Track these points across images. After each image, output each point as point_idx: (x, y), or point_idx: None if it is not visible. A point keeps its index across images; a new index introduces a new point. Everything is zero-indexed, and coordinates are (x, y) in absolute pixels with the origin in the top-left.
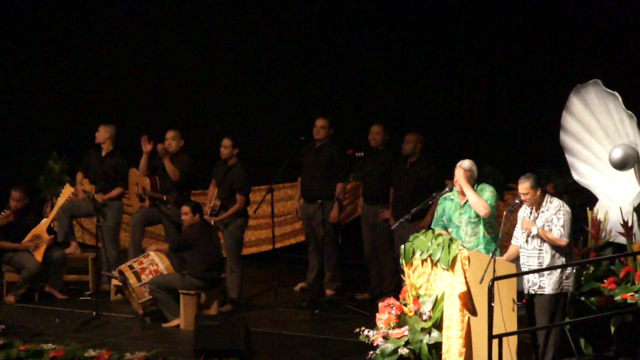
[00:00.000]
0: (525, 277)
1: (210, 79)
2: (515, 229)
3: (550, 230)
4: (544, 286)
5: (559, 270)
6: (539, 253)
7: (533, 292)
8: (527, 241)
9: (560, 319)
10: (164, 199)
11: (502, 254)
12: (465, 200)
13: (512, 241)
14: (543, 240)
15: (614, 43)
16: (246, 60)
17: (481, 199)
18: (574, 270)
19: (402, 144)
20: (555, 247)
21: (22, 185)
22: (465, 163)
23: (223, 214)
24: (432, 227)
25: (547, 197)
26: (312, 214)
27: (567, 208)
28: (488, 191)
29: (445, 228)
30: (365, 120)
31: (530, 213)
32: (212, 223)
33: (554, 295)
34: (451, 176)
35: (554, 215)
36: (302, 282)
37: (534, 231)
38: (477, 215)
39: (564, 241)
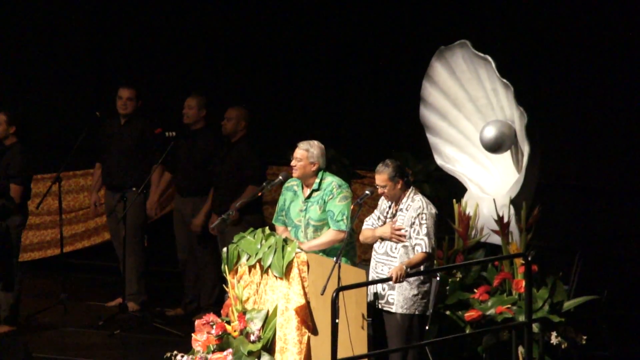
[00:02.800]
0: (371, 287)
1: None
2: (375, 211)
3: (409, 236)
4: (392, 302)
5: (411, 287)
6: (390, 261)
7: (381, 308)
8: (380, 242)
9: (417, 341)
10: None
11: (353, 260)
12: (308, 195)
13: (365, 224)
14: (397, 242)
15: None
16: (30, 10)
17: (329, 236)
18: (434, 286)
19: (222, 121)
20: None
21: None
22: (304, 143)
23: None
24: (273, 222)
25: (410, 192)
26: (112, 208)
27: (431, 210)
28: (338, 197)
29: (286, 225)
30: (179, 92)
31: (390, 207)
32: None
33: (406, 315)
34: (283, 162)
35: (416, 218)
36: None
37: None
38: (321, 218)
39: (424, 255)
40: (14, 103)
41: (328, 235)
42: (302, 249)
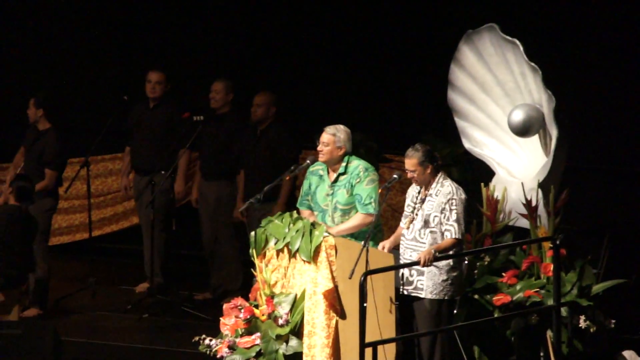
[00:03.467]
0: (400, 273)
1: (5, 28)
2: (406, 206)
3: (440, 222)
4: (421, 287)
5: (440, 272)
6: (419, 247)
7: (409, 295)
8: (408, 227)
9: (445, 326)
10: None
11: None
12: (334, 179)
13: (401, 221)
14: (426, 228)
15: None
16: (51, 1)
17: (357, 220)
18: (463, 271)
19: (251, 107)
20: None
21: None
22: (331, 127)
23: None
24: (297, 206)
25: (440, 177)
26: (141, 191)
27: (461, 195)
28: (366, 180)
29: (312, 209)
30: (207, 77)
31: (419, 193)
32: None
33: (435, 300)
34: (311, 146)
35: (446, 204)
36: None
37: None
38: (349, 201)
39: (454, 241)
40: (44, 87)
41: (356, 219)
42: (330, 234)
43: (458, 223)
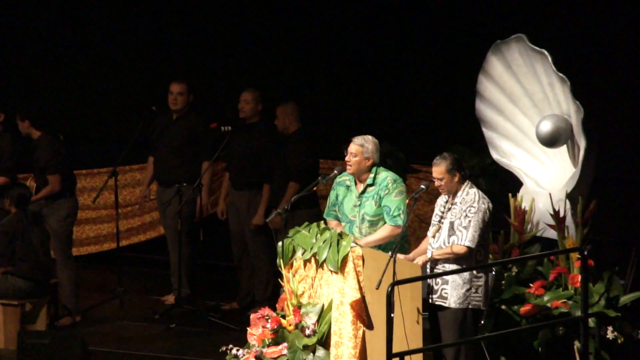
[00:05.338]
0: (427, 282)
1: (35, 37)
2: (434, 215)
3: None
4: (446, 296)
5: (463, 281)
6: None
7: (434, 303)
8: (434, 235)
9: (471, 336)
10: None
11: (408, 254)
12: (362, 190)
13: (429, 231)
14: (451, 236)
15: None
16: (83, 9)
17: (386, 232)
18: (489, 281)
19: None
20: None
21: None
22: (359, 138)
23: None
24: (324, 217)
25: (466, 185)
26: (167, 202)
27: (483, 205)
28: (394, 192)
29: (339, 220)
30: (235, 87)
31: (446, 202)
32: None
33: (459, 310)
34: (338, 157)
35: (465, 210)
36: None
37: (422, 260)
38: (377, 213)
39: (460, 248)
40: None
41: (385, 231)
42: (358, 244)
43: (469, 230)
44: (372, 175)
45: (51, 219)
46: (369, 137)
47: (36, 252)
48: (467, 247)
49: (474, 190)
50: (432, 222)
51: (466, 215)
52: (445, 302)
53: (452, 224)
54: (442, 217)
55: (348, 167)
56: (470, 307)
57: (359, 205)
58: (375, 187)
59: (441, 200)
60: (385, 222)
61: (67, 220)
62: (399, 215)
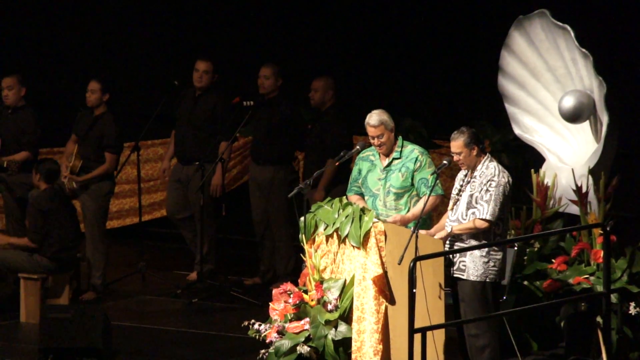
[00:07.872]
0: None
1: (61, 12)
2: (453, 189)
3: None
4: (464, 269)
5: (481, 254)
6: None
7: (452, 275)
8: (452, 208)
9: (492, 311)
10: (4, 164)
11: (429, 229)
12: (387, 163)
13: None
14: (469, 209)
15: None
16: None
17: (431, 201)
18: (506, 256)
19: (308, 92)
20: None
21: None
22: (373, 118)
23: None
24: (346, 193)
25: (486, 159)
26: (186, 179)
27: (503, 179)
28: (427, 164)
29: (362, 195)
30: (256, 62)
31: (465, 177)
32: (75, 185)
33: (477, 282)
34: (361, 132)
35: (485, 185)
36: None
37: (441, 235)
38: (403, 185)
39: (481, 222)
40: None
41: (430, 201)
42: (403, 218)
43: (488, 204)
44: (398, 150)
45: (91, 195)
46: (376, 111)
47: (65, 232)
48: (488, 221)
49: (494, 164)
50: (452, 195)
51: (487, 190)
52: (463, 275)
53: (471, 197)
54: (460, 190)
55: (380, 149)
56: (487, 279)
57: (384, 178)
58: (402, 160)
59: (461, 174)
60: (409, 194)
61: (107, 197)
62: (437, 185)
